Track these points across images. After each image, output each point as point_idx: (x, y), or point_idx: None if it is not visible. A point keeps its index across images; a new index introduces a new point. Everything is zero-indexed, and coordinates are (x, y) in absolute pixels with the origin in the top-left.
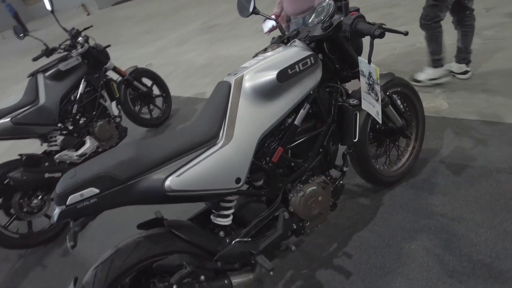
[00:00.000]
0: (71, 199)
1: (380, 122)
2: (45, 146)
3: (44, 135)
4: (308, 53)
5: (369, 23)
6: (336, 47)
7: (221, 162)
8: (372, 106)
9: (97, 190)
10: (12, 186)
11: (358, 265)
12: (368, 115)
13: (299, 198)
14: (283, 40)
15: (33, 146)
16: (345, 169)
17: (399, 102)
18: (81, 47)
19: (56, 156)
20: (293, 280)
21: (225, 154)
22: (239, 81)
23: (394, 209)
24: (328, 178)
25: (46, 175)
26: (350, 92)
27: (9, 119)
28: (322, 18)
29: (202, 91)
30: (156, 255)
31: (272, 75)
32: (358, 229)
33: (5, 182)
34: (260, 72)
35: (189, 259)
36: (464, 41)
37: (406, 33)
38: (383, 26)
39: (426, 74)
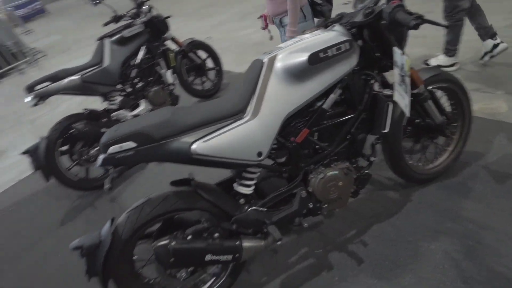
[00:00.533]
0: (112, 149)
1: (407, 115)
2: (105, 104)
3: (105, 94)
4: (344, 38)
5: (410, 13)
6: (377, 35)
7: (245, 135)
8: (402, 98)
9: (134, 144)
10: (76, 135)
11: (371, 254)
12: None
13: (318, 179)
14: (326, 24)
15: (96, 103)
16: (372, 159)
17: (444, 98)
18: (145, 16)
19: (113, 114)
20: (306, 257)
21: (249, 128)
22: (272, 61)
23: (421, 207)
24: (354, 166)
25: (103, 129)
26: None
27: (79, 76)
28: (366, 4)
29: None
30: (179, 209)
31: (303, 57)
32: (379, 221)
33: (71, 131)
34: (293, 53)
35: (207, 217)
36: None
37: (447, 26)
38: (422, 17)
39: (438, 60)
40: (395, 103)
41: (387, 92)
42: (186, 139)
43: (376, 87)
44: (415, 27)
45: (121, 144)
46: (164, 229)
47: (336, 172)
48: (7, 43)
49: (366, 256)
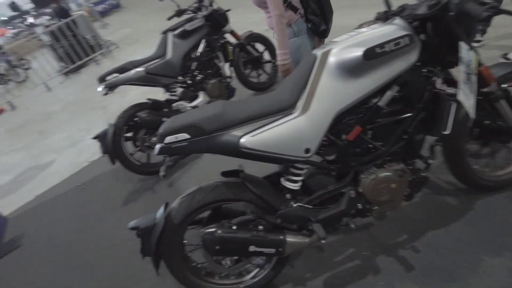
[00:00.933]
0: (168, 139)
1: (472, 116)
2: (167, 95)
3: (167, 85)
4: (404, 32)
5: (482, 2)
6: (442, 29)
7: (293, 131)
8: (467, 98)
9: (188, 136)
10: (139, 123)
11: (422, 262)
12: None
13: (369, 180)
14: (387, 16)
15: (159, 93)
16: (430, 161)
17: None
18: (206, 10)
19: (174, 105)
20: (352, 258)
21: (298, 124)
22: (326, 55)
23: (484, 218)
24: (409, 167)
25: (164, 119)
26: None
27: (143, 68)
28: None
29: None
30: (227, 199)
31: (358, 52)
32: (434, 227)
33: (135, 119)
34: (347, 48)
35: (253, 208)
36: None
37: None
38: (497, 7)
39: None
40: (459, 103)
41: (450, 90)
42: (236, 132)
43: (439, 84)
44: (487, 19)
45: (176, 135)
46: (214, 217)
47: (389, 173)
48: (87, 36)
49: (416, 263)
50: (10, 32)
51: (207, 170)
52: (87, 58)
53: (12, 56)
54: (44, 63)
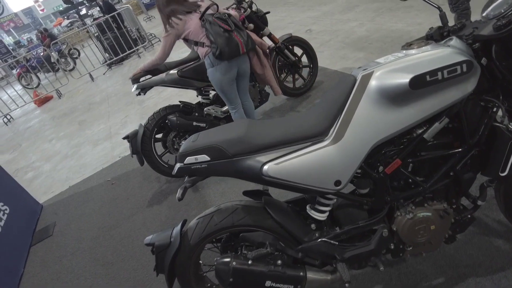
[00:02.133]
0: (188, 160)
1: None
2: (199, 98)
3: (199, 88)
4: (462, 58)
5: None
6: (509, 53)
7: (323, 161)
8: None
9: (208, 158)
10: (169, 126)
11: None
12: None
13: (406, 219)
14: (442, 33)
15: (193, 94)
16: (479, 203)
17: None
18: (244, 11)
19: (205, 109)
20: None
21: (329, 154)
22: (367, 78)
23: None
24: (454, 207)
25: (194, 123)
26: None
27: (176, 71)
28: (502, 11)
29: (351, 66)
30: (245, 225)
31: (405, 78)
32: (477, 274)
33: (166, 121)
34: (392, 72)
35: (272, 240)
36: None
37: None
38: None
39: None
40: None
41: None
42: (259, 158)
43: (499, 118)
44: None
45: (196, 156)
46: (232, 239)
47: (429, 213)
48: (131, 29)
49: None
50: (66, 21)
51: (234, 180)
52: (129, 51)
53: (63, 46)
54: (90, 54)
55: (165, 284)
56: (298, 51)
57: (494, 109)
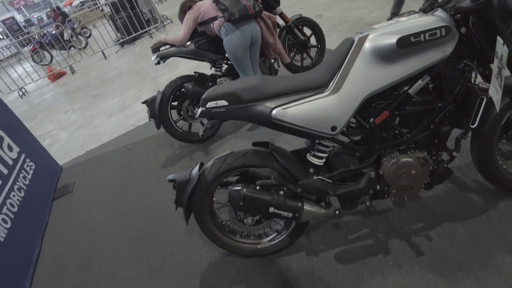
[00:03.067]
0: (209, 104)
1: (496, 111)
2: (212, 70)
3: (214, 61)
4: (441, 24)
5: None
6: (484, 23)
7: (322, 108)
8: (496, 92)
9: (226, 103)
10: (185, 94)
11: (434, 250)
12: (508, 105)
13: (391, 164)
14: (431, 7)
15: (205, 70)
16: (455, 154)
17: None
18: None
19: (218, 80)
20: (366, 237)
21: (328, 102)
22: (362, 40)
23: (506, 218)
24: (433, 158)
25: None
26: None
27: (193, 43)
28: None
29: None
30: (254, 165)
31: (392, 39)
32: (452, 221)
33: (182, 89)
34: (383, 35)
35: (277, 175)
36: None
37: None
38: None
39: None
40: (490, 98)
41: (483, 85)
42: (269, 104)
43: (473, 79)
44: None
45: (216, 101)
46: (241, 180)
47: (411, 159)
48: (144, 10)
49: (427, 250)
50: (76, 1)
51: (241, 144)
52: (142, 31)
53: (76, 24)
54: (103, 33)
55: (175, 232)
56: (307, 32)
57: (470, 72)
